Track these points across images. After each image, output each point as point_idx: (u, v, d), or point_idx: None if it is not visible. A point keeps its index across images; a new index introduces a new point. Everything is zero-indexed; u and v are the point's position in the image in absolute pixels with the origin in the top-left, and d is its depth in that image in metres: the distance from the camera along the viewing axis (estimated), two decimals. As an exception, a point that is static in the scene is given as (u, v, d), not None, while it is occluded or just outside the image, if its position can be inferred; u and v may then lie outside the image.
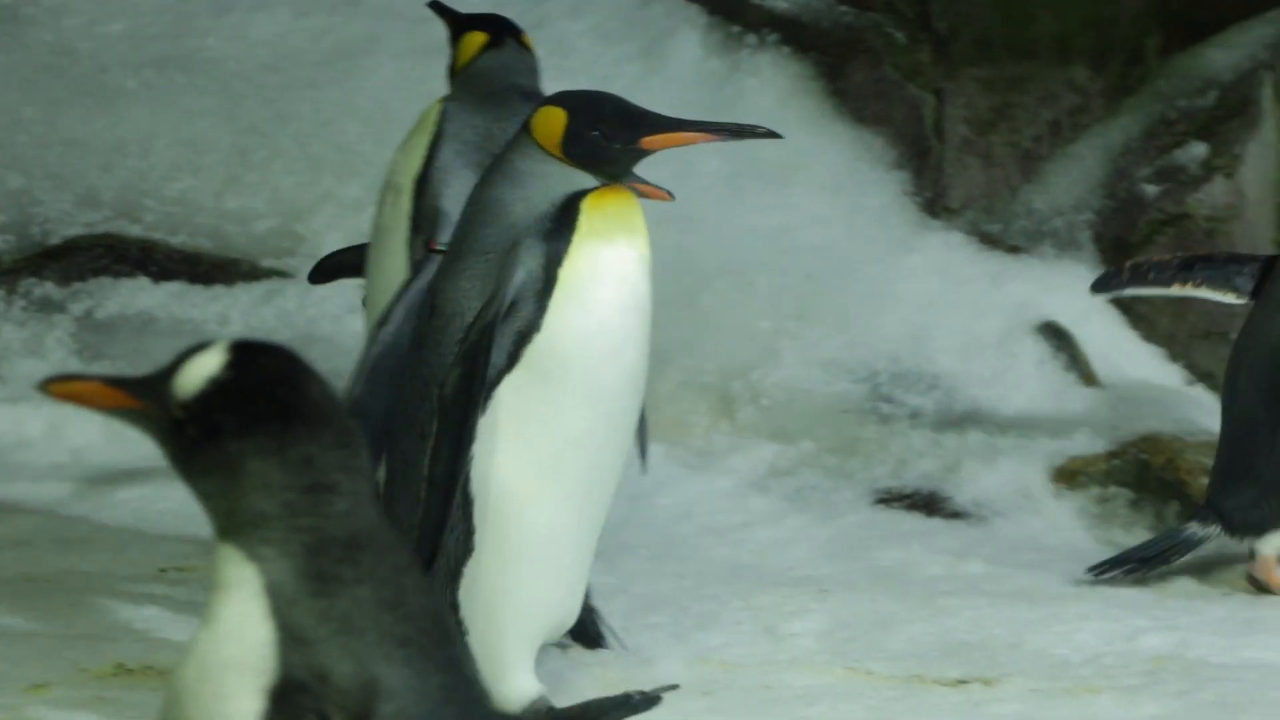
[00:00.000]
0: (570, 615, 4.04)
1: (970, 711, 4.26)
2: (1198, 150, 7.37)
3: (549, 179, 3.99)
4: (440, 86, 4.99)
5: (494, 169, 4.08)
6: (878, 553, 5.93)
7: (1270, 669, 4.66)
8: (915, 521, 6.29)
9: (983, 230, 7.47)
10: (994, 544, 6.11)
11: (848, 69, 7.65)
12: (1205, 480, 6.23)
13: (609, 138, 4.00)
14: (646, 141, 4.02)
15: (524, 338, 3.89)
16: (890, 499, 6.45)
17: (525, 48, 4.95)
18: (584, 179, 4.01)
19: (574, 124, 3.99)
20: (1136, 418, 6.66)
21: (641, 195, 6.09)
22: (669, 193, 6.08)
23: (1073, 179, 7.56)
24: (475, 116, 4.79)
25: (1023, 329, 7.03)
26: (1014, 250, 7.42)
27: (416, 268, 4.61)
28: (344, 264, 5.29)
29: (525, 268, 3.90)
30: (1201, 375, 7.19)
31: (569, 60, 7.45)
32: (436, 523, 3.86)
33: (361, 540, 2.38)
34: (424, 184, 4.75)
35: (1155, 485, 6.37)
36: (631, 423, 4.02)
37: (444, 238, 4.63)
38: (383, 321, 4.52)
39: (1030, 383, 6.84)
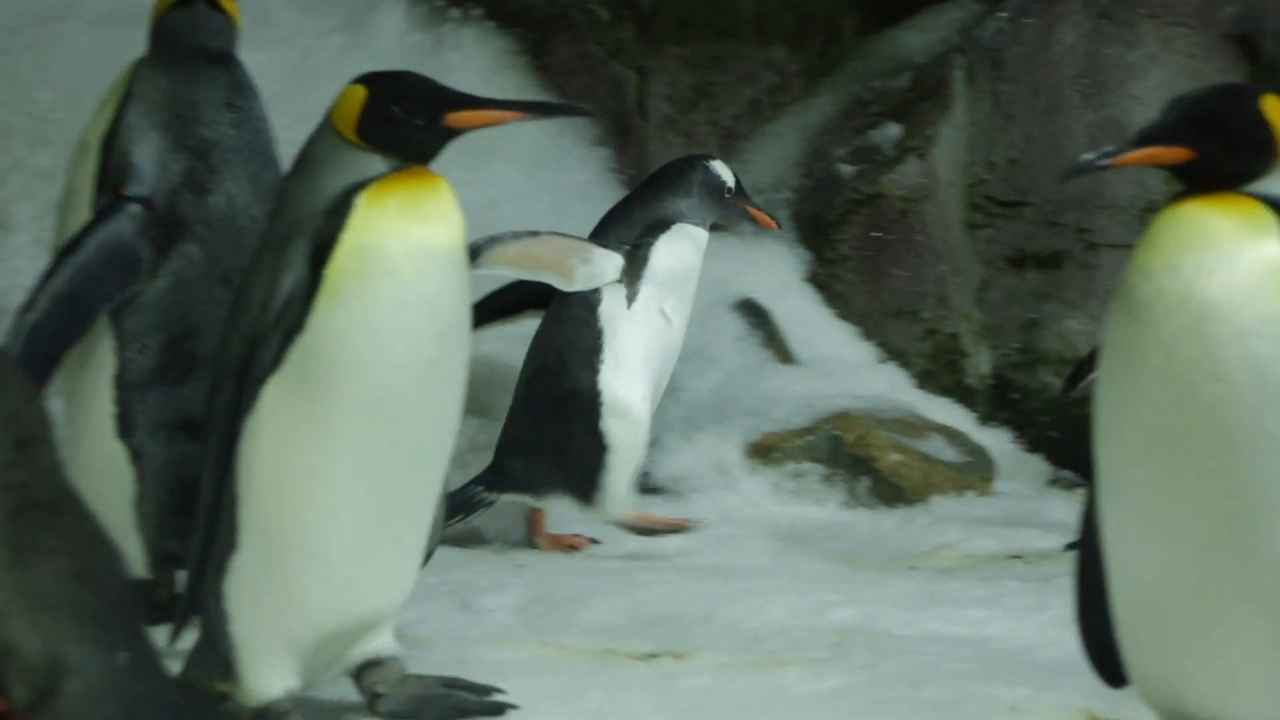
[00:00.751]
0: (361, 617, 3.91)
1: (660, 685, 4.30)
2: (892, 131, 7.51)
3: (338, 169, 3.81)
4: (140, 54, 4.91)
5: (298, 155, 3.92)
6: (574, 528, 5.97)
7: (951, 641, 4.78)
8: (614, 496, 6.34)
9: (683, 207, 7.53)
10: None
11: (551, 45, 7.68)
12: (896, 456, 6.38)
13: (411, 114, 3.81)
14: (451, 119, 3.83)
15: (289, 338, 3.73)
16: (590, 475, 6.49)
17: (217, 8, 4.86)
18: (376, 165, 3.81)
19: (372, 103, 3.82)
20: (830, 395, 6.77)
21: (752, 220, 6.22)
22: (777, 223, 6.19)
23: (772, 158, 7.66)
24: (162, 77, 4.72)
25: (721, 306, 7.10)
26: (712, 228, 7.50)
27: (100, 213, 4.56)
28: None
29: (293, 269, 3.74)
30: (893, 353, 7.34)
31: (272, 31, 7.37)
32: (206, 521, 3.80)
33: (61, 504, 2.35)
34: (111, 142, 4.67)
35: (847, 461, 6.49)
36: (441, 424, 3.87)
37: (135, 187, 4.56)
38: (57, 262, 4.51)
39: (728, 359, 6.93)
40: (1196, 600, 3.30)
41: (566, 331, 5.90)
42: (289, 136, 5.00)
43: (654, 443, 6.56)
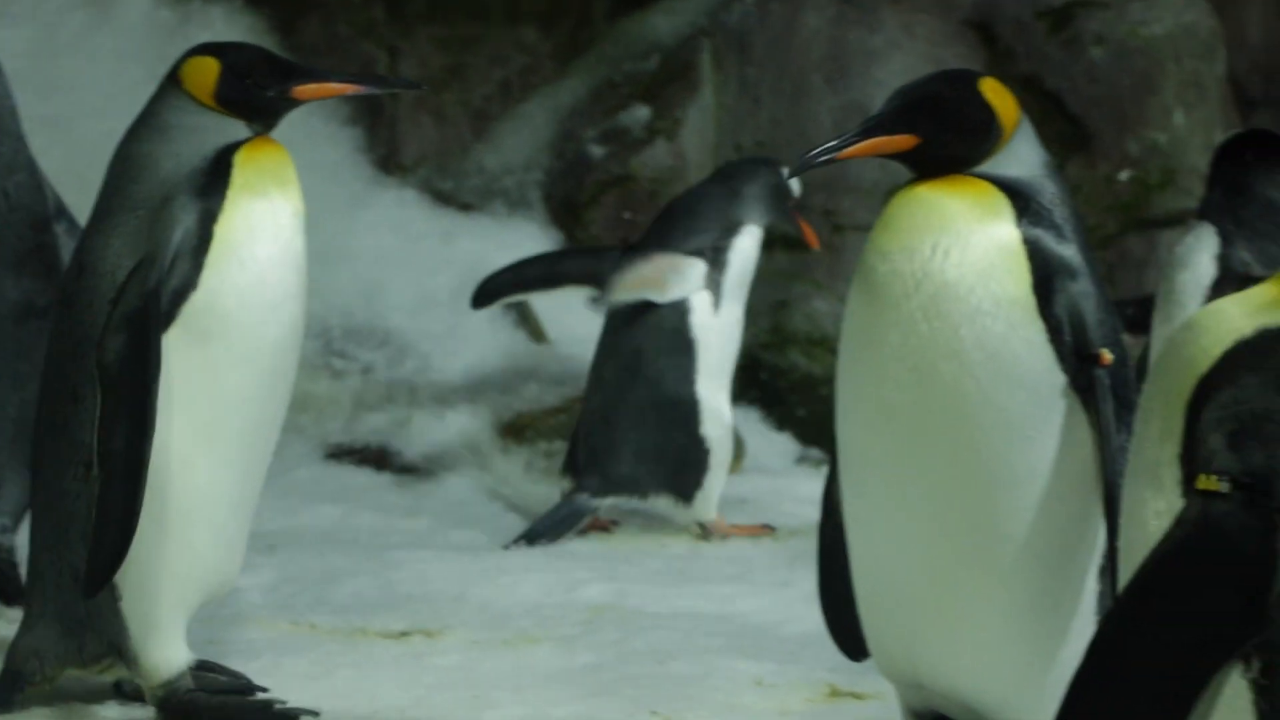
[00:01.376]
0: (229, 579, 3.95)
1: (411, 663, 4.32)
2: (641, 113, 7.57)
3: (201, 131, 3.90)
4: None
5: (140, 123, 3.95)
6: (327, 507, 5.96)
7: (700, 617, 4.84)
8: (366, 476, 6.35)
9: (435, 188, 7.53)
10: (443, 498, 6.21)
11: (300, 24, 7.63)
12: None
13: (261, 86, 3.94)
14: (298, 91, 3.97)
15: (180, 296, 3.78)
16: (341, 454, 6.49)
17: None
18: (237, 129, 3.93)
19: (227, 72, 3.93)
20: (583, 374, 6.82)
21: (798, 232, 6.23)
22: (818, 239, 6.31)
23: (523, 139, 7.68)
24: None
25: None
26: (466, 208, 7.50)
27: None
28: None
29: (181, 225, 3.78)
30: (645, 332, 7.40)
31: (14, 6, 7.25)
32: (126, 501, 3.72)
33: None
34: None
35: (599, 439, 6.54)
36: (290, 380, 3.95)
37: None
38: None
39: (481, 339, 6.94)
40: (932, 574, 3.38)
41: (660, 342, 6.00)
42: (33, 113, 4.94)
43: (406, 422, 6.59)
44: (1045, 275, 3.33)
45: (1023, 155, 3.45)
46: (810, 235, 6.36)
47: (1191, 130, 7.74)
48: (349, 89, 4.11)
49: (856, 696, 4.17)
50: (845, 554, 3.52)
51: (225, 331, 3.82)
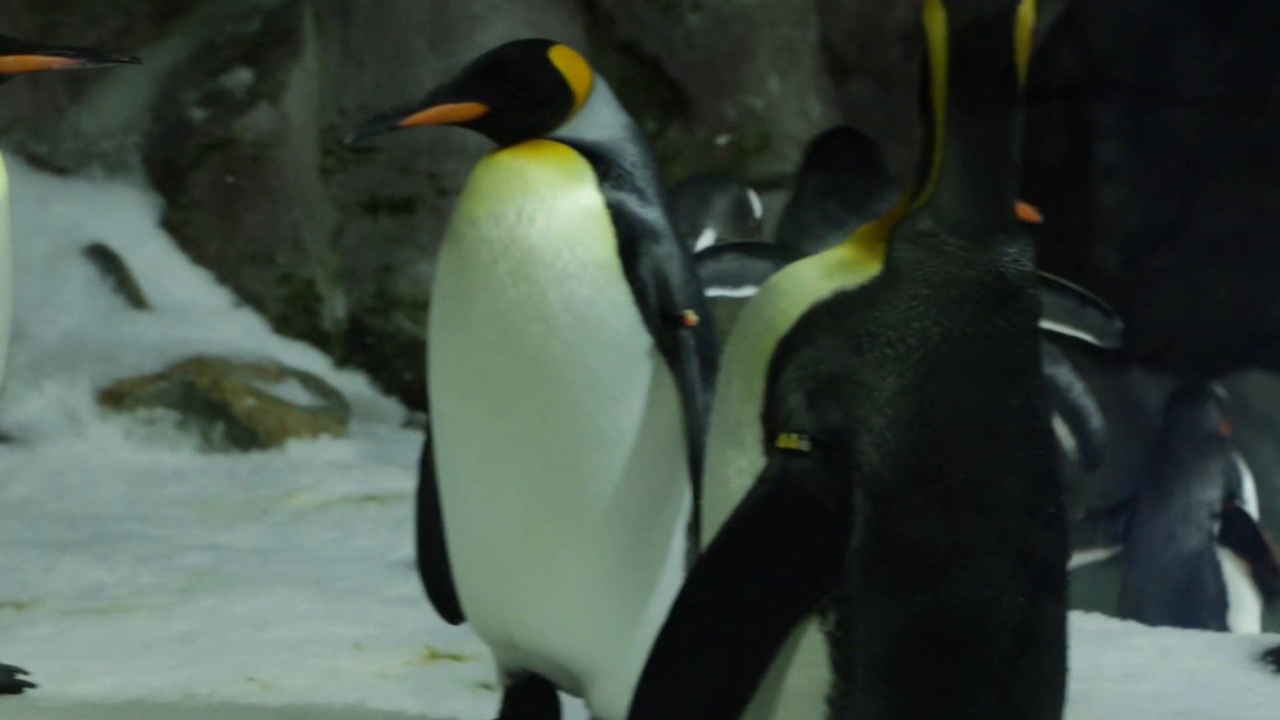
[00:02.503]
0: None
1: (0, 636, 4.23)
2: (243, 76, 7.48)
3: None
4: None
5: None
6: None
7: (300, 583, 4.79)
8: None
9: (30, 151, 7.36)
10: (40, 466, 6.08)
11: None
12: (250, 401, 6.37)
13: None
14: (1, 64, 3.81)
15: None
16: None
17: None
18: None
19: None
20: (184, 340, 6.73)
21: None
22: None
23: (121, 101, 7.53)
24: None
25: (71, 251, 6.97)
26: (61, 172, 7.35)
27: None
28: None
29: None
30: (249, 298, 7.33)
31: None
32: None
33: None
34: None
35: (201, 406, 6.46)
36: None
37: None
38: None
39: (78, 305, 6.81)
40: (522, 535, 3.41)
41: None
42: None
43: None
44: (629, 238, 3.38)
45: (602, 119, 3.49)
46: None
47: (786, 96, 7.90)
48: (56, 62, 3.90)
49: (455, 658, 4.18)
50: (441, 517, 3.53)
51: None
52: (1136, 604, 6.41)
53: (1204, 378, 7.53)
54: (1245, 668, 4.69)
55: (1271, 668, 4.66)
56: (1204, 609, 6.31)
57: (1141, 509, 6.47)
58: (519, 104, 3.44)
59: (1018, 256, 2.48)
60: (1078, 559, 6.36)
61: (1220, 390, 6.78)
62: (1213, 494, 6.40)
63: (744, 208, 6.15)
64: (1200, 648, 4.86)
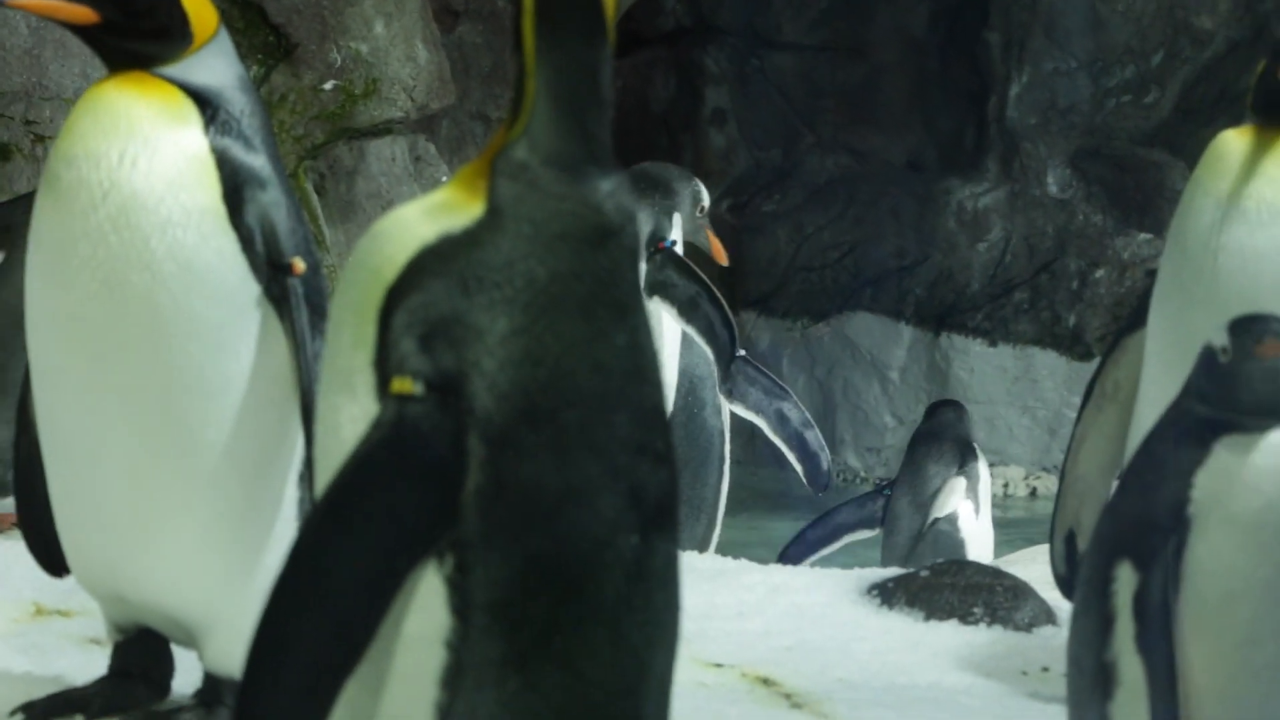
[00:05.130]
0: None
1: None
2: None
3: None
4: None
5: None
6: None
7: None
8: None
9: None
10: None
11: None
12: None
13: None
14: None
15: None
16: None
17: None
18: None
19: None
20: None
21: (706, 246, 5.67)
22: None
23: None
24: None
25: None
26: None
27: None
28: None
29: None
30: None
31: None
32: None
33: None
34: None
35: None
36: None
37: None
38: None
39: None
40: (129, 486, 3.34)
41: None
42: None
43: None
44: (235, 185, 3.32)
45: (216, 67, 3.40)
46: (719, 251, 6.21)
47: (393, 41, 7.85)
48: None
49: (63, 614, 4.10)
50: (42, 470, 3.44)
51: None
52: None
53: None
54: (852, 602, 4.82)
55: (877, 600, 4.79)
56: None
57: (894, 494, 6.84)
58: (134, 26, 3.34)
59: (614, 191, 2.50)
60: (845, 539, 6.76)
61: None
62: (940, 481, 6.72)
63: (697, 198, 6.31)
64: (809, 583, 4.97)
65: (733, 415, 6.42)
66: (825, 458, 6.21)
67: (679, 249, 6.30)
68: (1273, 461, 2.70)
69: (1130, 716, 2.72)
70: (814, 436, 6.23)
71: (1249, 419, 2.71)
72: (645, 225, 6.42)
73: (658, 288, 6.38)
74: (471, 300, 2.43)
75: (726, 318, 6.24)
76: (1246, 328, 2.75)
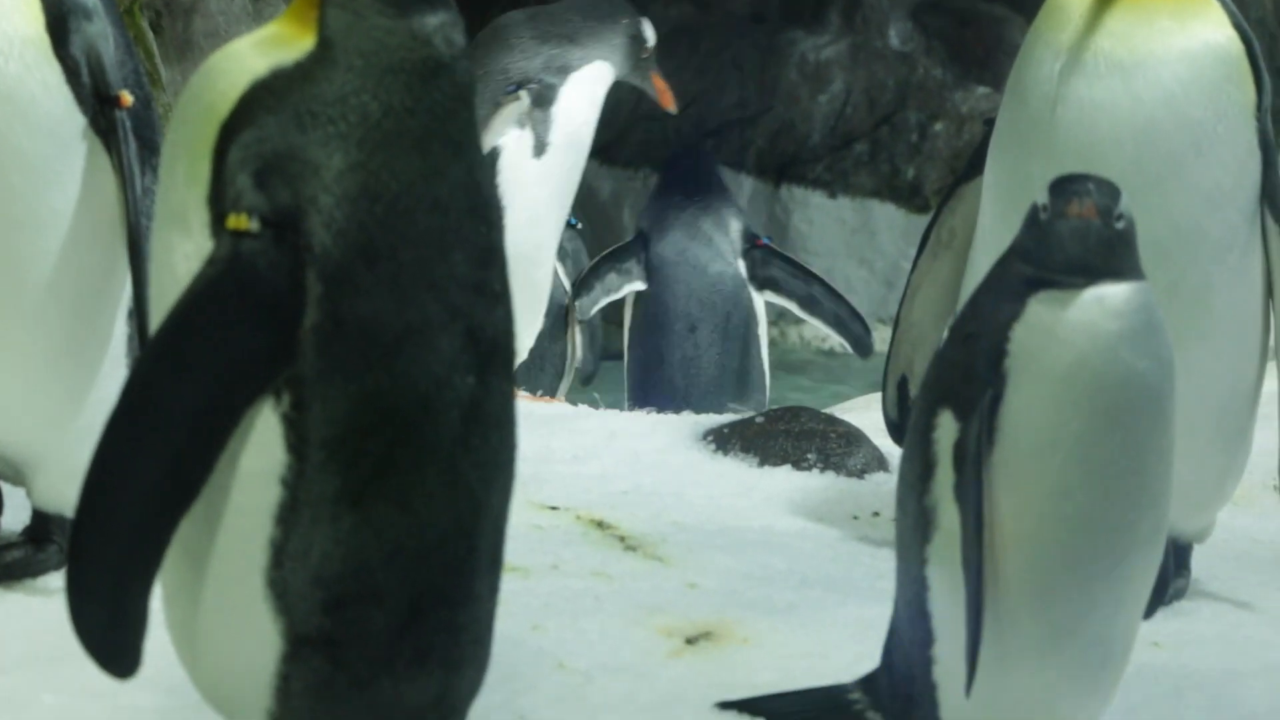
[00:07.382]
0: None
1: None
2: None
3: None
4: None
5: None
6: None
7: None
8: None
9: None
10: None
11: None
12: None
13: None
14: None
15: None
16: None
17: None
18: None
19: None
20: None
21: (653, 91, 5.38)
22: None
23: None
24: None
25: None
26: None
27: None
28: None
29: None
30: None
31: None
32: None
33: None
34: None
35: None
36: None
37: None
38: None
39: None
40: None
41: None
42: None
43: None
44: (59, 15, 3.25)
45: None
46: (667, 96, 5.58)
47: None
48: None
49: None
50: None
51: None
52: (664, 330, 6.66)
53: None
54: (688, 447, 4.85)
55: (712, 446, 4.82)
56: (744, 329, 6.65)
57: (658, 245, 6.65)
58: None
59: (442, 26, 2.48)
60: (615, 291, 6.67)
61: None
62: (736, 229, 6.69)
63: (640, 38, 5.43)
64: (645, 429, 5.00)
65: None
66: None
67: (605, 78, 5.44)
68: (1085, 317, 2.74)
69: (945, 560, 2.78)
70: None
71: (1064, 277, 2.76)
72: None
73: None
74: (306, 135, 2.41)
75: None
76: (1063, 187, 2.80)
